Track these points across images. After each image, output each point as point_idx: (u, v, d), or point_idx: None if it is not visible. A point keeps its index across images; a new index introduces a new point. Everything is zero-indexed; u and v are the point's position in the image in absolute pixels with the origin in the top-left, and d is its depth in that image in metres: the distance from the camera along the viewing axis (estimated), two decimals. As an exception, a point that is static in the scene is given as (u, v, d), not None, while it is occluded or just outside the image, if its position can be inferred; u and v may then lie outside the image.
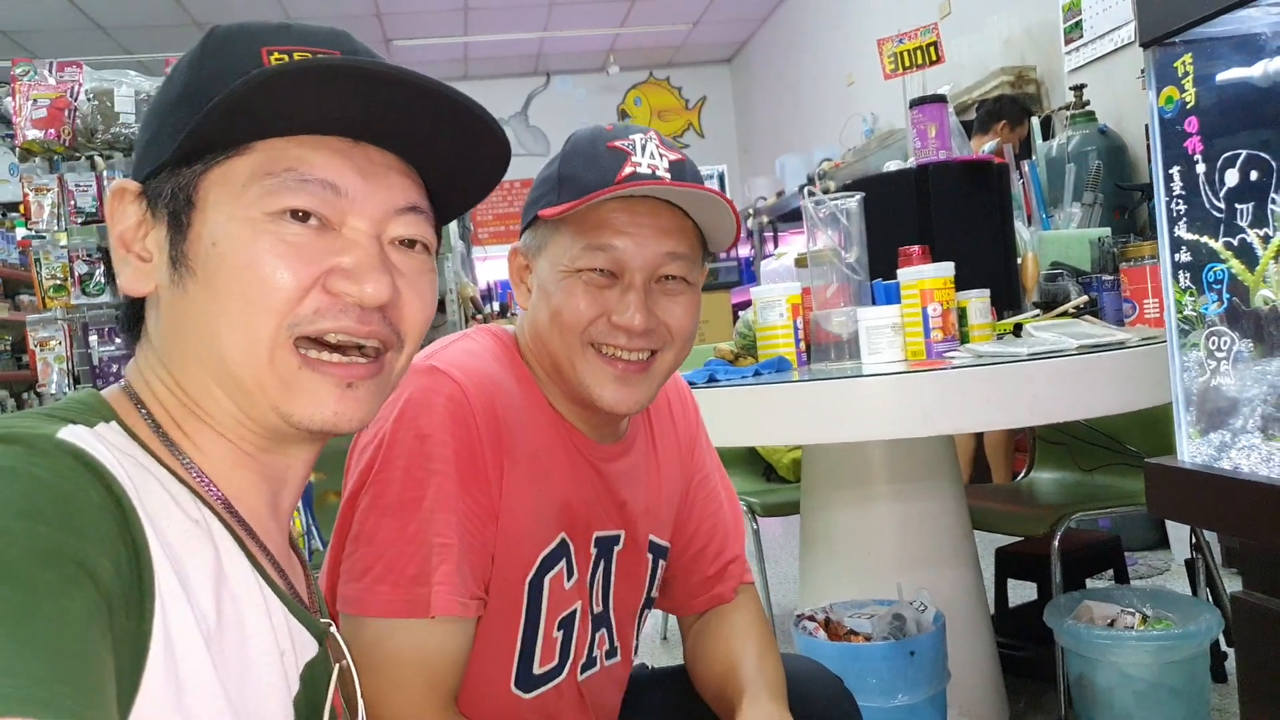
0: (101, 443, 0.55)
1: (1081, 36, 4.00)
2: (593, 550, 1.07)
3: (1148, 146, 3.56)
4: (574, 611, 1.04)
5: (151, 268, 0.63)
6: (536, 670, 1.02)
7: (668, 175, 0.96)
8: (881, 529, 2.03)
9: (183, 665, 0.53)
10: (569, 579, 1.03)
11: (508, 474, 0.96)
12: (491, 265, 7.51)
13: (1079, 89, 3.81)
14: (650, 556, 1.14)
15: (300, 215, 0.61)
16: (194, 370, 0.62)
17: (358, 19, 7.04)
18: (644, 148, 0.97)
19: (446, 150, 0.67)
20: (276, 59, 0.62)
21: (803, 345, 1.89)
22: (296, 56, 0.62)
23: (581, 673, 1.07)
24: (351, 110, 0.62)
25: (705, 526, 1.20)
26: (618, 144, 0.97)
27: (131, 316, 0.68)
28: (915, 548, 2.02)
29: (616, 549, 1.10)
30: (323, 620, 0.69)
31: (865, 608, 1.81)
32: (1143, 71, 3.21)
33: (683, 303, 1.01)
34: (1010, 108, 3.83)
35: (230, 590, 0.58)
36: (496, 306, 5.29)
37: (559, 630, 1.03)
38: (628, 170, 0.95)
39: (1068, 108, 3.84)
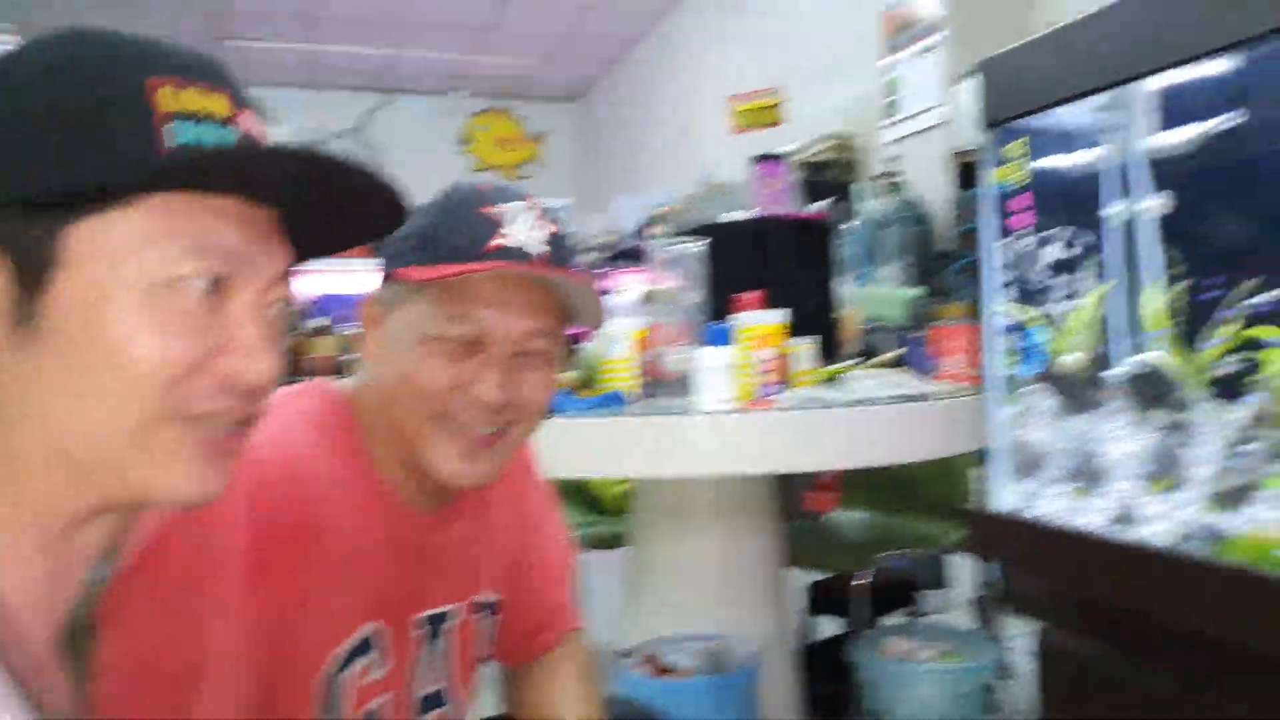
0: None
1: (896, 114, 4.35)
2: (418, 632, 1.01)
3: (954, 218, 3.92)
4: (383, 702, 0.97)
5: None
6: None
7: (544, 250, 0.92)
8: (703, 564, 2.09)
9: None
10: (377, 670, 0.96)
11: (301, 577, 0.88)
12: (313, 278, 7.17)
13: (891, 161, 4.14)
14: (485, 616, 1.09)
15: (197, 283, 0.53)
16: (17, 438, 0.52)
17: (187, 10, 6.65)
18: (517, 218, 0.92)
19: (332, 215, 0.61)
20: (165, 94, 0.52)
21: (645, 380, 1.93)
22: (190, 94, 0.53)
23: None
24: (285, 185, 0.55)
25: (533, 572, 1.16)
26: (490, 211, 0.91)
27: None
28: (734, 583, 2.09)
29: (454, 623, 1.05)
30: None
31: (684, 642, 1.85)
32: (956, 152, 3.48)
33: (541, 378, 0.96)
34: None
35: None
36: (324, 322, 4.77)
37: None
38: (496, 243, 0.90)
39: (880, 178, 4.17)
